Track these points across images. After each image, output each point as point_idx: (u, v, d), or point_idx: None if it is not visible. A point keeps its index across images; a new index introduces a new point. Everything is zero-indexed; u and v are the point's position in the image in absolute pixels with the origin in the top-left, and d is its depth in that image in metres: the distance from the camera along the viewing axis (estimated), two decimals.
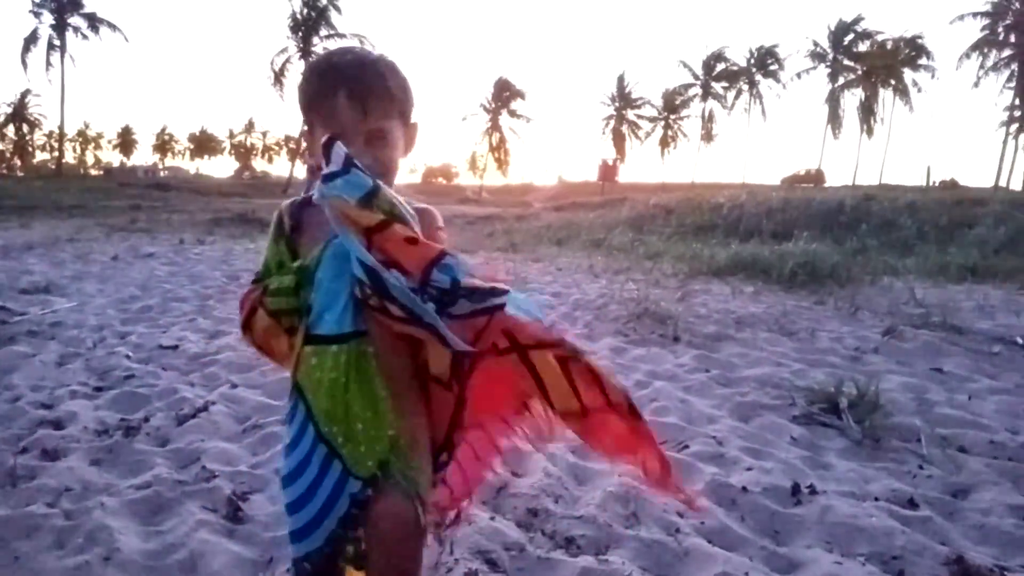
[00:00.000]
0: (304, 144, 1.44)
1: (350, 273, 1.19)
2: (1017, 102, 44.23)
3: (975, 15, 45.00)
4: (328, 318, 1.22)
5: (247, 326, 1.35)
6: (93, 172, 76.25)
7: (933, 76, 50.33)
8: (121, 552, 2.15)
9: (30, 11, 44.31)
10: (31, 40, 44.54)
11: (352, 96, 1.21)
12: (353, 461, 1.24)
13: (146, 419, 3.29)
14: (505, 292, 1.16)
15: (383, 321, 1.18)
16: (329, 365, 1.22)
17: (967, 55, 45.65)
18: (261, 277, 1.34)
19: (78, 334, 4.92)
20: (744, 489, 2.67)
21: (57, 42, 44.76)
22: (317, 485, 1.26)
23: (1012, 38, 44.18)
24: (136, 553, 2.17)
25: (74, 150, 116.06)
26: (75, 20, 45.12)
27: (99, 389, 3.77)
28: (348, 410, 1.22)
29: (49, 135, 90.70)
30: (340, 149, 1.15)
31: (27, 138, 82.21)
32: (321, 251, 1.24)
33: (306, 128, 1.32)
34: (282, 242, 1.33)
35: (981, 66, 45.34)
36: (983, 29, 45.16)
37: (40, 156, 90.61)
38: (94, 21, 45.38)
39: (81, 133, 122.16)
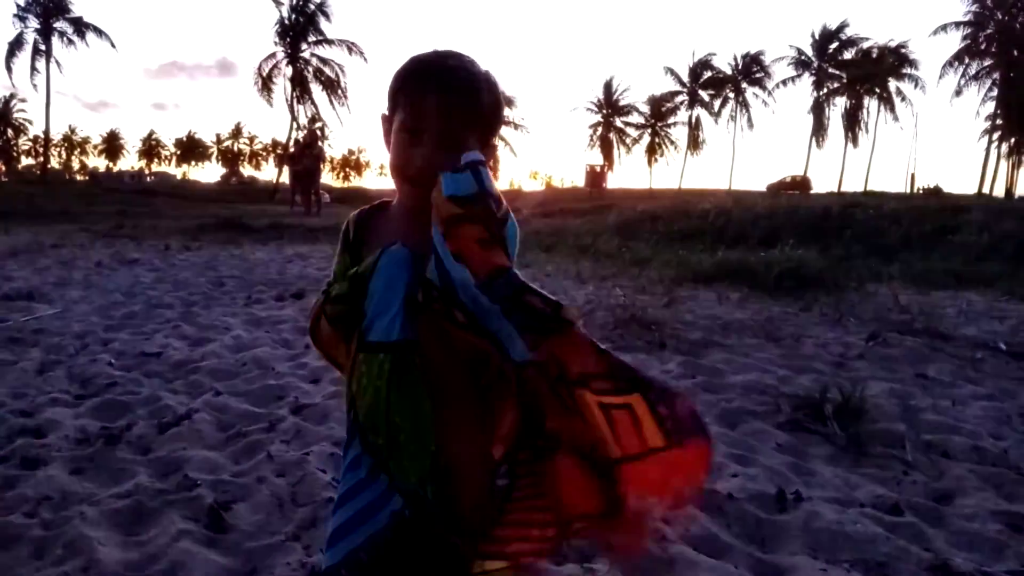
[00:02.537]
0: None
1: (404, 281, 1.18)
2: (999, 111, 44.78)
3: (957, 25, 45.59)
4: (378, 325, 1.20)
5: (314, 334, 1.35)
6: (79, 177, 75.62)
7: (917, 85, 50.90)
8: (100, 563, 2.12)
9: (15, 15, 43.98)
10: (16, 45, 44.19)
11: (440, 104, 1.20)
12: (399, 476, 1.20)
13: (128, 427, 3.26)
14: (565, 318, 1.10)
15: (448, 329, 1.16)
16: (375, 373, 1.20)
17: (950, 64, 46.22)
18: (329, 285, 1.33)
19: (60, 341, 4.87)
20: (730, 496, 2.67)
21: (43, 47, 44.42)
22: (362, 488, 1.23)
23: (993, 48, 44.74)
24: (116, 564, 2.14)
25: (59, 155, 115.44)
26: (61, 25, 44.82)
27: (81, 397, 3.72)
28: (390, 421, 1.19)
29: (34, 140, 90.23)
30: (470, 155, 1.16)
31: (12, 143, 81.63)
32: (376, 259, 1.22)
33: (386, 112, 1.31)
34: (346, 251, 1.33)
35: (963, 75, 45.93)
36: (964, 39, 45.73)
37: (25, 161, 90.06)
38: (80, 26, 45.05)
39: (67, 138, 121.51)
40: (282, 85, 44.68)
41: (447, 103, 1.21)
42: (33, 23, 44.29)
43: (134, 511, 2.49)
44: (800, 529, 2.47)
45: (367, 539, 1.21)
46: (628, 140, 61.43)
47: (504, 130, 56.82)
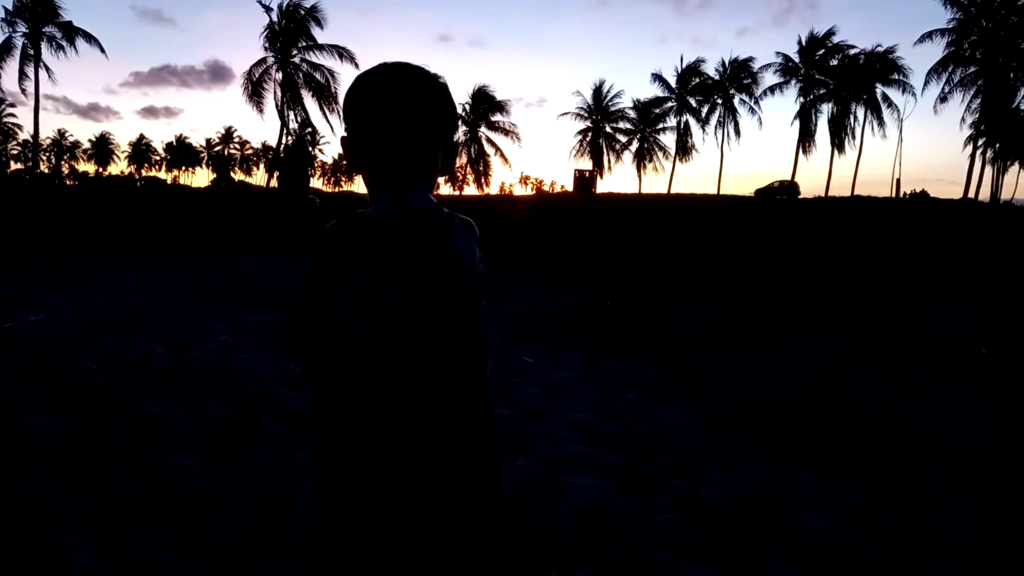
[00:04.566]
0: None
1: (368, 298, 1.20)
2: (984, 117, 45.17)
3: (942, 32, 45.96)
4: (347, 339, 1.23)
5: (291, 344, 1.37)
6: (68, 182, 75.13)
7: (904, 91, 51.27)
8: (75, 573, 2.10)
9: (2, 19, 43.69)
10: (5, 50, 43.93)
11: (405, 105, 1.22)
12: (366, 481, 1.23)
13: (109, 435, 3.23)
14: None
15: (412, 340, 1.20)
16: (340, 385, 1.23)
17: (935, 70, 46.58)
18: (304, 298, 1.35)
19: (43, 348, 4.82)
20: (712, 502, 2.67)
21: (31, 52, 44.18)
22: (331, 491, 1.25)
23: (978, 54, 45.14)
24: (91, 574, 2.12)
25: (49, 160, 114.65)
26: (50, 30, 44.58)
27: (62, 404, 3.69)
28: (357, 429, 1.22)
29: (23, 145, 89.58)
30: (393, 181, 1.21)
31: (0, 148, 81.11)
32: (346, 274, 1.25)
33: (346, 135, 1.32)
34: (320, 263, 1.34)
35: (948, 82, 46.28)
36: (949, 46, 46.11)
37: (14, 166, 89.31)
38: (69, 31, 44.84)
39: (56, 143, 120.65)
40: (272, 90, 44.62)
41: (410, 106, 1.22)
42: (22, 28, 44.05)
43: (112, 520, 2.47)
44: (782, 535, 2.48)
45: (333, 542, 1.23)
46: (617, 146, 61.48)
47: (495, 136, 56.96)
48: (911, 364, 4.86)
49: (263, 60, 44.56)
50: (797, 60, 53.94)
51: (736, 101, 57.48)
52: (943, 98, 46.29)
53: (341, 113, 1.32)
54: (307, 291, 1.34)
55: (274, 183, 36.13)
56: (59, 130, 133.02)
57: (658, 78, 58.81)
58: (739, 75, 56.83)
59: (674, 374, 4.50)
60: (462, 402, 1.26)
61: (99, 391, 3.90)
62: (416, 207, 1.19)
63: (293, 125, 44.71)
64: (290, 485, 2.72)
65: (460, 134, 56.73)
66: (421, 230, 1.18)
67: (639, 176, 60.32)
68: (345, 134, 1.32)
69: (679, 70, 58.33)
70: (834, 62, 52.77)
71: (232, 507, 2.58)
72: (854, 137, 53.47)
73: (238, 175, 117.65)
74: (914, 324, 5.85)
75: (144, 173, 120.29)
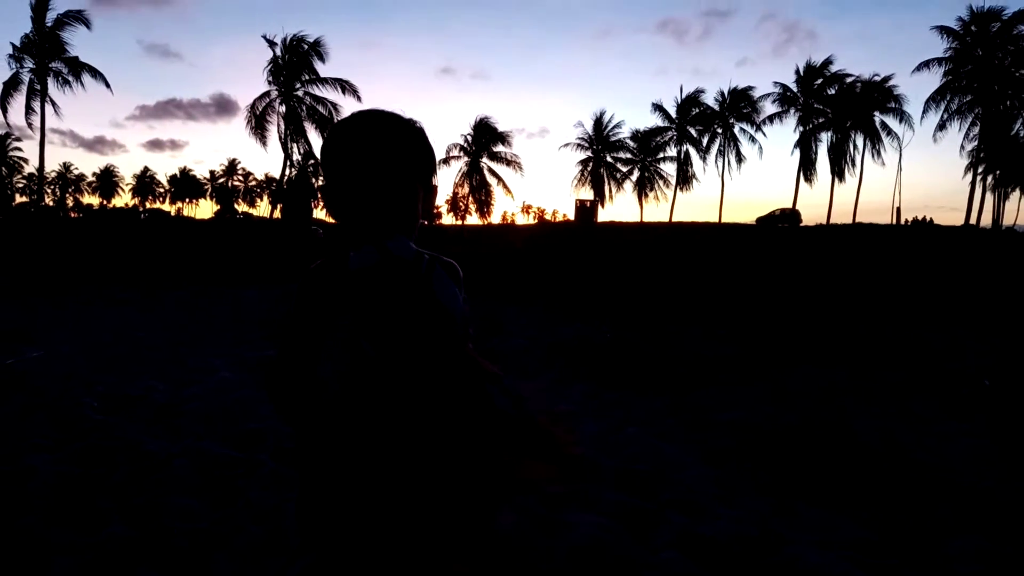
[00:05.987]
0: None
1: (350, 350, 1.22)
2: (982, 144, 45.42)
3: (939, 61, 46.41)
4: (329, 391, 1.24)
5: (273, 388, 1.32)
6: (72, 214, 75.68)
7: (902, 120, 51.57)
8: None
9: (10, 55, 44.33)
10: (12, 86, 44.51)
11: (379, 156, 1.22)
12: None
13: (108, 474, 3.22)
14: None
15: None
16: (326, 427, 1.24)
17: (933, 99, 46.94)
18: (287, 341, 1.32)
19: (44, 384, 4.83)
20: (713, 538, 2.65)
21: (38, 86, 44.74)
22: None
23: (975, 84, 45.52)
24: None
25: (54, 192, 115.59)
26: (56, 65, 45.18)
27: (61, 442, 3.68)
28: (342, 487, 1.23)
29: (29, 178, 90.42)
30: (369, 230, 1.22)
31: (6, 181, 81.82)
32: (327, 325, 1.25)
33: (324, 184, 1.33)
34: (302, 308, 1.30)
35: (946, 110, 46.62)
36: (946, 75, 46.53)
37: (20, 199, 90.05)
38: (76, 67, 45.44)
39: (62, 175, 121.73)
40: (276, 123, 45.13)
41: (379, 157, 1.22)
42: (29, 64, 44.67)
43: (110, 561, 2.45)
44: (784, 572, 2.45)
45: None
46: (618, 175, 61.65)
47: (497, 166, 57.31)
48: (915, 395, 4.84)
49: (267, 93, 45.17)
50: (795, 89, 54.35)
51: (736, 130, 57.78)
52: (942, 126, 46.58)
53: (331, 160, 1.31)
54: (287, 338, 1.30)
55: (278, 215, 36.35)
56: (64, 163, 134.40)
57: (658, 108, 59.21)
58: (739, 104, 57.20)
59: (676, 407, 4.48)
60: (452, 451, 1.25)
61: (99, 428, 3.89)
62: (397, 258, 1.21)
63: (296, 157, 45.20)
64: (288, 525, 2.70)
65: (462, 164, 57.09)
66: (403, 282, 1.20)
67: (640, 205, 60.50)
68: (324, 183, 1.34)
69: (679, 100, 58.69)
70: (832, 91, 53.15)
71: (230, 547, 2.56)
72: (854, 165, 53.69)
73: (242, 207, 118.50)
74: (917, 354, 5.83)
75: (148, 205, 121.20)
